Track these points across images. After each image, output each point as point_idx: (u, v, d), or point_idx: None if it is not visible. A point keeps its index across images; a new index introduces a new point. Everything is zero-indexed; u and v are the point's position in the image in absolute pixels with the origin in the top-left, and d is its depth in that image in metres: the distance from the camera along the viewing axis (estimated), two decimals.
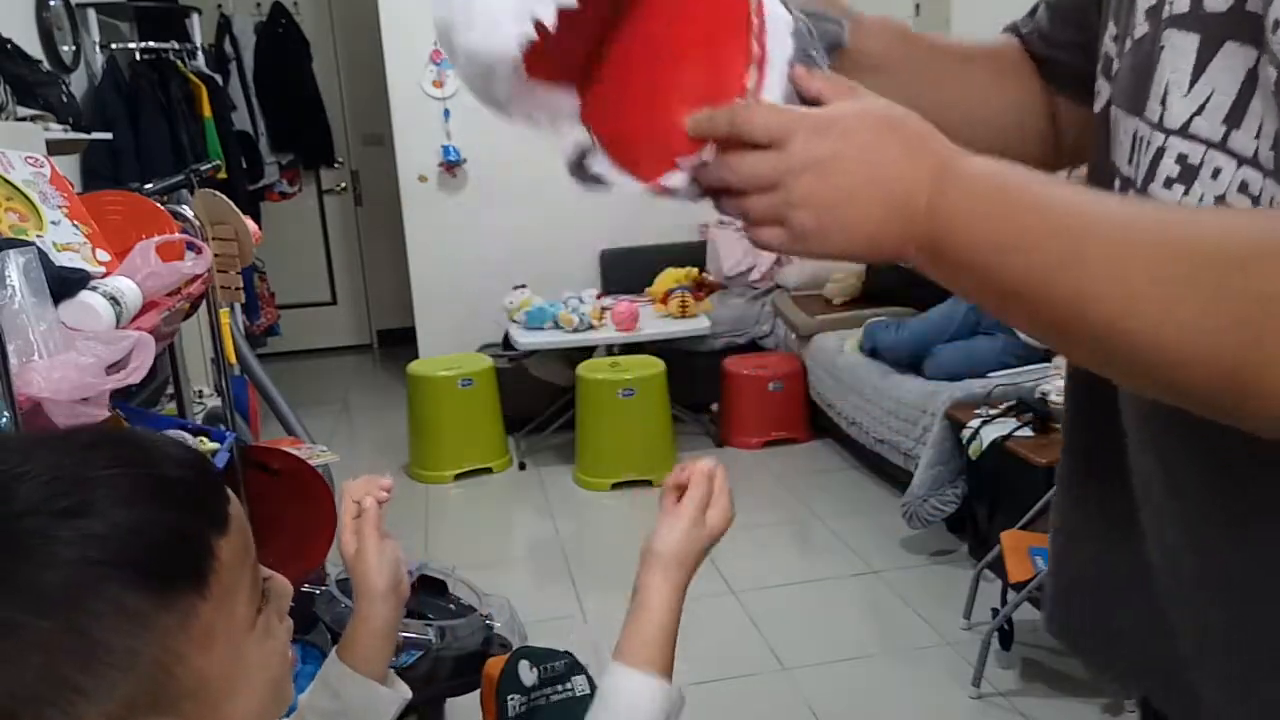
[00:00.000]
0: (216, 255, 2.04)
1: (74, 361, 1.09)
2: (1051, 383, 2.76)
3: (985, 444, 2.75)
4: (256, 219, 2.87)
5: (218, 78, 4.75)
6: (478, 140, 4.53)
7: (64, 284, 1.23)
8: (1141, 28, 0.65)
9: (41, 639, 0.48)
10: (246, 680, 0.56)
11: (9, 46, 2.95)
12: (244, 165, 4.75)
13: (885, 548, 3.16)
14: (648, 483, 3.68)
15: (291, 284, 5.85)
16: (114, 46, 4.03)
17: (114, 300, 1.27)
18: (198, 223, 1.85)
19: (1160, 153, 0.62)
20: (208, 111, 4.26)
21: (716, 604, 2.85)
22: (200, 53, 4.54)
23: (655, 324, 4.00)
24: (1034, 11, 0.84)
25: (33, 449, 0.53)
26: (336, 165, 6.00)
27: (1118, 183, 0.69)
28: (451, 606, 2.11)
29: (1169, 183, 0.62)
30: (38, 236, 1.36)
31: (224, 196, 2.22)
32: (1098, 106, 0.72)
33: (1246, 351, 0.48)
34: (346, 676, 0.91)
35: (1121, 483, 0.71)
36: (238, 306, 3.89)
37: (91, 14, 3.92)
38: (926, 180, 0.58)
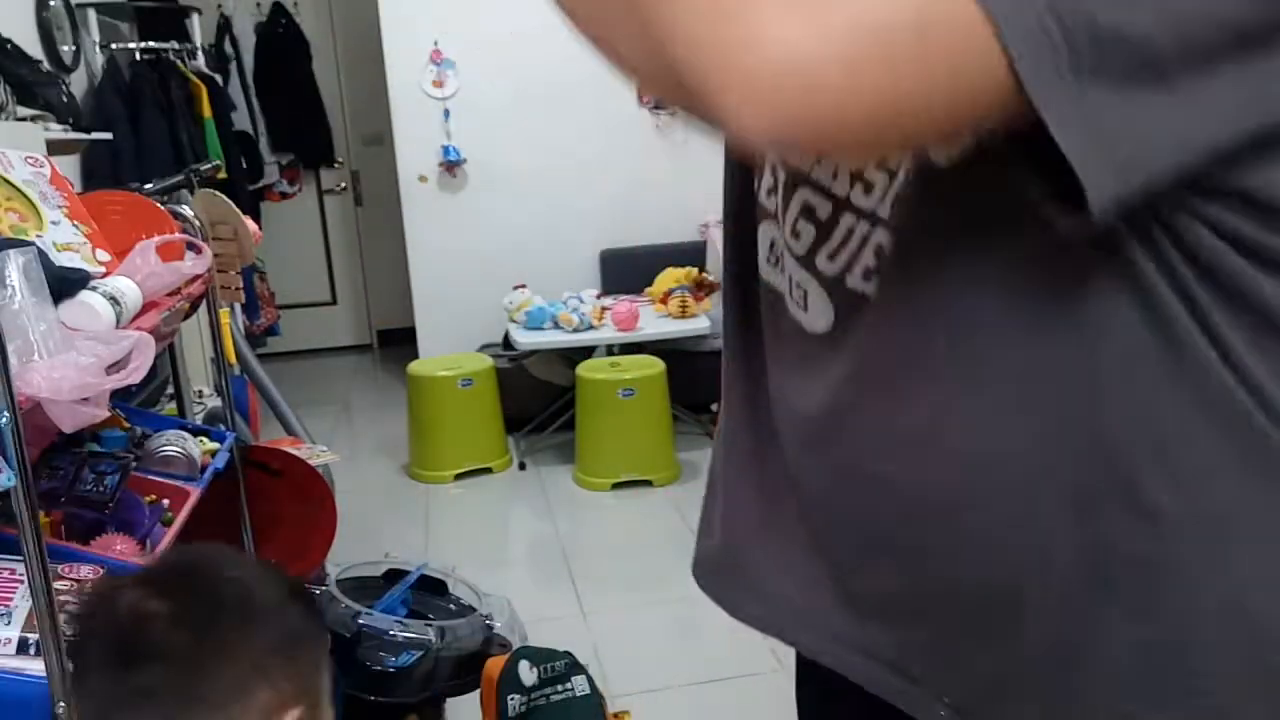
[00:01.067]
0: (216, 255, 2.04)
1: (74, 361, 1.09)
2: None
3: None
4: (256, 219, 2.87)
5: (218, 78, 4.75)
6: (478, 140, 4.52)
7: (64, 284, 1.23)
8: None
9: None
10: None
11: (9, 46, 2.95)
12: (244, 165, 4.75)
13: None
14: (648, 483, 3.68)
15: (291, 284, 5.84)
16: (114, 46, 4.02)
17: (114, 300, 1.27)
18: (198, 223, 1.85)
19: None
20: (208, 112, 4.25)
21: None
22: (200, 53, 4.53)
23: (655, 324, 3.99)
24: None
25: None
26: (336, 165, 5.99)
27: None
28: (451, 606, 2.11)
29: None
30: (38, 236, 1.36)
31: (224, 196, 2.22)
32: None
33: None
34: None
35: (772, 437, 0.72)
36: (238, 306, 3.90)
37: (91, 14, 3.91)
38: None
